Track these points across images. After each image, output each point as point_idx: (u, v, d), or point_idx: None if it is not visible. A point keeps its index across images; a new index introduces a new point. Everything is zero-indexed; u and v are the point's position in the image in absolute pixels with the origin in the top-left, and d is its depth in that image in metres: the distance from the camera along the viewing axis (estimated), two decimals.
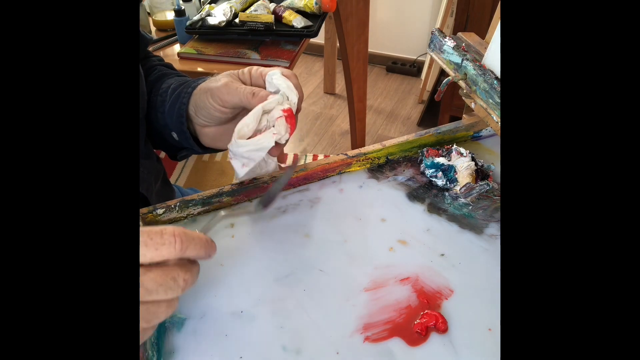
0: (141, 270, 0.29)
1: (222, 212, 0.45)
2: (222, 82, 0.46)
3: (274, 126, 0.43)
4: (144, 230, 0.30)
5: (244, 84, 0.47)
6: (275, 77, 0.45)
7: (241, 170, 0.44)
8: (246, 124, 0.43)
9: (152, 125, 0.57)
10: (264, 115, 0.44)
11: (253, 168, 0.44)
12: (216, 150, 0.55)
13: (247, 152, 0.42)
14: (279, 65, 0.98)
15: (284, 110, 0.43)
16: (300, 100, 0.46)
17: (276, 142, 0.43)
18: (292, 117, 0.44)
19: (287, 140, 0.44)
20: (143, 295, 0.29)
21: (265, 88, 0.46)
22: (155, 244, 0.30)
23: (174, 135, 0.53)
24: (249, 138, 0.43)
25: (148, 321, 0.31)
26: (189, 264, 0.33)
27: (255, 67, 0.48)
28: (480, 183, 0.49)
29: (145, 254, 0.30)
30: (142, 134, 0.56)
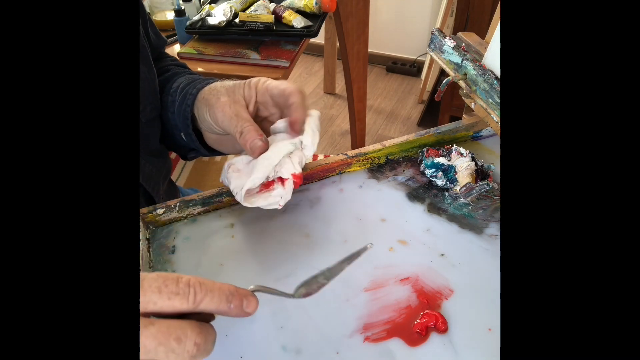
0: (143, 322, 0.25)
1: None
2: (220, 102, 0.45)
3: (279, 182, 0.42)
4: (160, 275, 0.27)
5: (248, 101, 0.45)
6: (315, 122, 0.44)
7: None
8: (253, 182, 0.41)
9: (165, 125, 0.57)
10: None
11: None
12: (222, 153, 0.54)
13: (246, 205, 0.42)
14: (278, 66, 0.98)
15: (294, 176, 0.42)
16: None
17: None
18: (299, 182, 0.42)
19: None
20: (140, 355, 0.25)
21: (269, 102, 0.46)
22: (169, 292, 0.26)
23: (183, 135, 0.53)
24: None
25: None
26: (204, 325, 0.28)
27: (262, 80, 0.46)
28: (480, 183, 0.49)
29: (157, 302, 0.26)
30: (156, 132, 0.56)
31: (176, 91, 0.52)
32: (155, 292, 0.26)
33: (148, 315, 0.26)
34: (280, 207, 0.42)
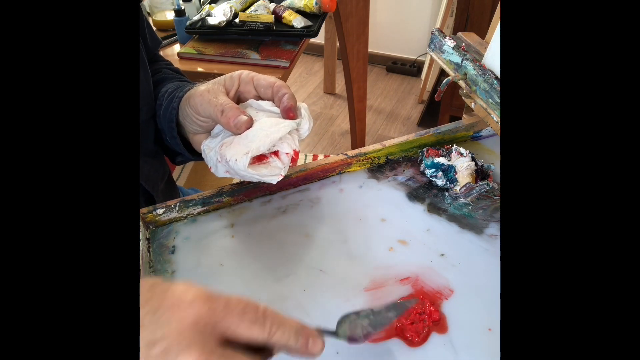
0: (231, 354, 0.25)
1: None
2: (198, 91, 0.45)
3: (274, 156, 0.42)
4: (241, 300, 0.26)
5: (228, 90, 0.45)
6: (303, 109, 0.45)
7: (222, 174, 0.43)
8: (258, 149, 0.40)
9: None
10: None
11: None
12: None
13: (244, 175, 0.41)
14: (278, 66, 0.98)
15: (294, 152, 0.42)
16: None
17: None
18: (295, 160, 0.43)
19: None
20: None
21: (257, 95, 0.45)
22: (249, 320, 0.26)
23: (168, 139, 0.53)
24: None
25: None
26: None
27: (247, 72, 0.46)
28: (480, 183, 0.49)
29: (237, 327, 0.26)
30: (151, 133, 0.56)
31: (164, 95, 0.52)
32: (237, 316, 0.26)
33: (224, 339, 0.25)
34: (281, 178, 0.42)
